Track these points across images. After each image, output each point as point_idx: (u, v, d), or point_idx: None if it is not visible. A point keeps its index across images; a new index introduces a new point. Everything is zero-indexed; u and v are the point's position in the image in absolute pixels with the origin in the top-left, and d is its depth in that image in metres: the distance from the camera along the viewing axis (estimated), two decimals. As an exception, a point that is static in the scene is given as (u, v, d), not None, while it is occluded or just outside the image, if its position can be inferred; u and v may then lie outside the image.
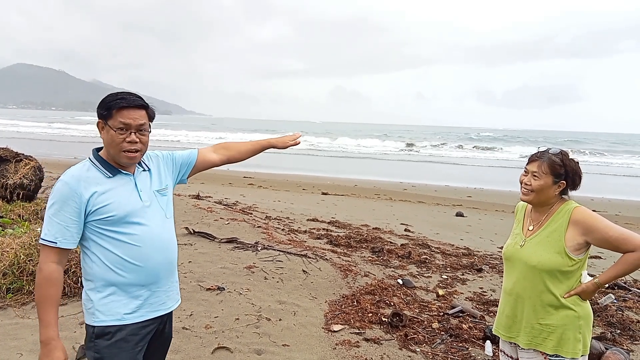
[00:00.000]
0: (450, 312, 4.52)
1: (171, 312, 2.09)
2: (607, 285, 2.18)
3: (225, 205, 8.91)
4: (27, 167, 7.38)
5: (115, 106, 1.84)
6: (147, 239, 1.91)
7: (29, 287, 4.13)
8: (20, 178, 7.18)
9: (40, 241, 1.81)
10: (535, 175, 2.21)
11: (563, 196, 2.26)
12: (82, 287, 1.94)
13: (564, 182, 2.20)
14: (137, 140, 1.87)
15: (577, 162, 2.24)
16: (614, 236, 2.07)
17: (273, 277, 4.93)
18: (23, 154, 7.71)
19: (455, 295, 5.13)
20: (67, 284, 4.13)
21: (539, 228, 2.25)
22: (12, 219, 6.27)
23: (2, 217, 6.14)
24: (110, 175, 1.88)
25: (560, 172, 2.19)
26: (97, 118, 1.91)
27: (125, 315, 1.87)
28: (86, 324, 1.89)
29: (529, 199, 2.27)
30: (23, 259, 4.29)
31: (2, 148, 7.64)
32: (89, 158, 1.92)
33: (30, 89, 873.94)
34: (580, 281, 2.16)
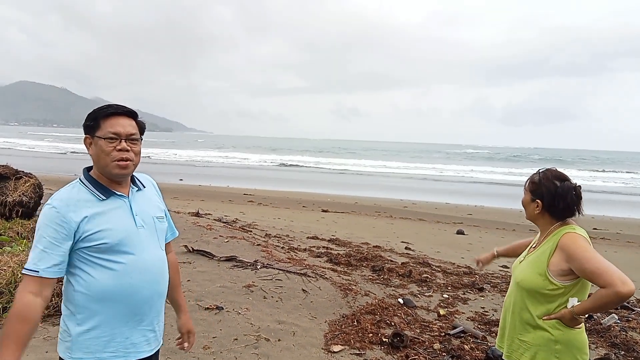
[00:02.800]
0: (452, 332, 4.46)
1: (157, 353, 1.92)
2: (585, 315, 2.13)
3: (225, 222, 8.88)
4: (27, 184, 7.38)
5: (102, 115, 1.72)
6: (137, 269, 1.75)
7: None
8: (19, 195, 7.16)
9: (23, 271, 1.62)
10: (523, 192, 2.32)
11: (568, 219, 2.20)
12: (60, 312, 1.76)
13: (539, 201, 2.21)
14: (129, 148, 1.73)
15: (565, 187, 2.15)
16: (588, 269, 1.99)
17: (272, 297, 4.88)
18: (23, 172, 7.71)
19: (456, 315, 5.07)
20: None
21: (537, 248, 2.27)
22: (11, 236, 6.23)
23: (0, 234, 6.11)
24: (103, 198, 1.73)
25: (536, 191, 2.22)
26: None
27: (106, 354, 1.71)
28: (60, 358, 1.73)
29: (525, 216, 2.36)
30: (20, 277, 4.25)
31: (2, 165, 7.65)
32: (79, 179, 1.77)
33: (33, 106, 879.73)
34: (566, 306, 2.12)
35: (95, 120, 1.72)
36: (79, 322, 1.70)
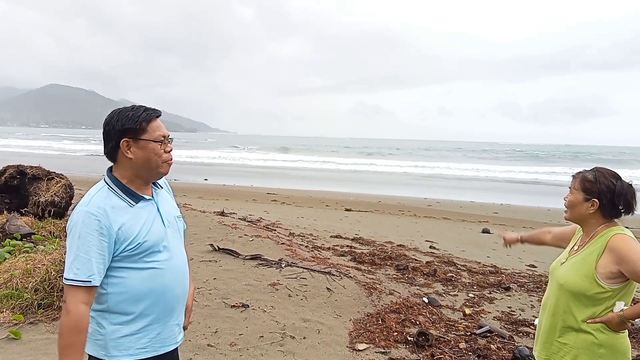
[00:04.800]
0: (478, 332, 4.42)
1: (177, 347, 1.96)
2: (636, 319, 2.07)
3: (250, 221, 8.97)
4: (58, 185, 7.60)
5: (149, 118, 1.76)
6: (169, 268, 1.80)
7: (59, 303, 4.22)
8: (51, 196, 7.39)
9: (69, 282, 1.61)
10: (570, 192, 2.23)
11: (615, 220, 2.15)
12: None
13: (596, 200, 2.12)
14: (172, 148, 1.82)
15: (624, 185, 2.11)
16: None
17: (297, 295, 4.92)
18: (54, 172, 7.95)
19: (482, 315, 5.02)
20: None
21: (581, 249, 2.19)
22: (44, 235, 6.44)
23: (34, 233, 6.31)
24: (134, 204, 1.76)
25: (591, 190, 2.13)
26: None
27: (138, 350, 1.74)
28: (91, 356, 1.75)
29: (566, 216, 2.26)
30: (54, 275, 4.40)
31: (35, 167, 7.89)
32: (107, 183, 1.77)
33: (62, 109, 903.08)
34: (613, 310, 2.06)
35: (140, 124, 1.74)
36: (112, 321, 1.72)
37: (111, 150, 1.77)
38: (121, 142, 1.74)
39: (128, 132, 1.73)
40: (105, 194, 1.73)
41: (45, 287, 4.32)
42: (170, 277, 1.80)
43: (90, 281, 1.62)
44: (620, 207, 2.10)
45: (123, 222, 1.69)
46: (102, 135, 1.79)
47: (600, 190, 2.11)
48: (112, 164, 1.82)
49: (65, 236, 6.68)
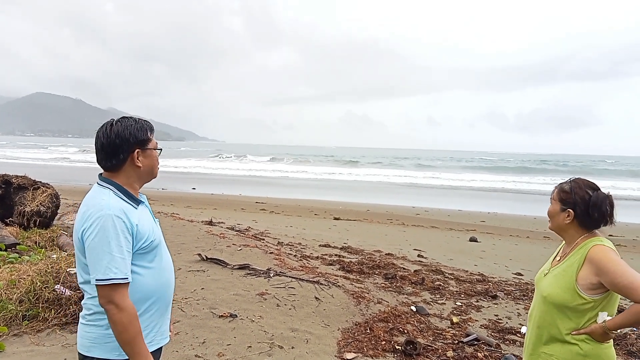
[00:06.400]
0: (465, 340, 4.45)
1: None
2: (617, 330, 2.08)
3: (238, 231, 8.95)
4: (44, 194, 7.52)
5: (152, 129, 1.94)
6: (168, 265, 1.98)
7: (44, 314, 4.16)
8: (37, 205, 7.30)
9: (113, 281, 1.71)
10: (550, 202, 2.26)
11: (594, 230, 2.17)
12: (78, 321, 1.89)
13: (571, 211, 2.15)
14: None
15: (600, 196, 2.12)
16: (621, 283, 1.95)
17: (285, 304, 4.91)
18: (40, 182, 7.86)
19: (469, 323, 5.06)
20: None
21: (563, 260, 2.22)
22: (29, 245, 6.36)
23: (19, 244, 6.23)
24: (137, 207, 1.89)
25: (567, 200, 2.17)
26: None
27: (147, 344, 1.83)
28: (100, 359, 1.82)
29: (549, 226, 2.30)
30: (39, 285, 4.34)
31: (21, 176, 7.81)
32: (110, 189, 1.85)
33: (48, 117, 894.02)
34: (596, 321, 2.07)
35: (148, 135, 1.91)
36: None
37: (121, 161, 1.86)
38: (134, 152, 1.87)
39: (140, 143, 1.88)
40: (115, 198, 1.82)
41: (30, 298, 4.26)
42: (169, 273, 1.98)
43: (127, 278, 1.75)
44: (596, 218, 2.12)
45: (136, 222, 1.82)
46: (101, 147, 1.86)
47: (575, 201, 2.14)
48: (103, 171, 1.91)
49: (51, 246, 6.54)
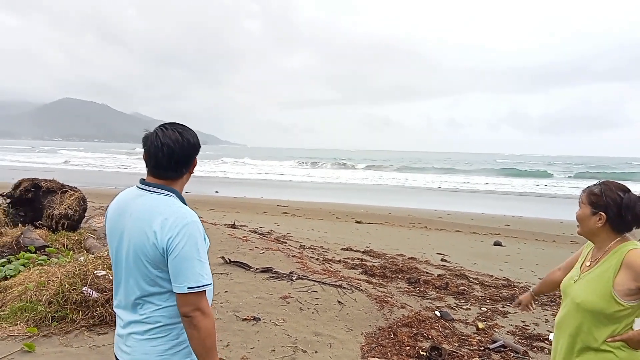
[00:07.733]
0: (492, 346, 4.37)
1: None
2: None
3: (260, 234, 8.99)
4: (72, 198, 7.68)
5: None
6: None
7: (72, 316, 4.24)
8: (65, 209, 7.46)
9: (204, 288, 1.69)
10: (579, 206, 2.20)
11: (626, 234, 2.11)
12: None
13: (603, 214, 2.09)
14: None
15: (632, 197, 2.07)
16: None
17: (308, 308, 4.90)
18: (68, 186, 8.03)
19: (495, 329, 4.96)
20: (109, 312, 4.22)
21: (594, 265, 2.15)
22: (57, 248, 6.50)
23: (47, 246, 6.38)
24: None
25: (598, 203, 2.11)
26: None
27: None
28: None
29: (579, 231, 2.24)
30: (67, 287, 4.42)
31: (49, 180, 7.99)
32: (173, 196, 1.81)
33: (75, 122, 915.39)
34: (632, 327, 2.02)
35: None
36: (181, 329, 1.79)
37: (187, 170, 1.86)
38: (194, 161, 1.87)
39: (196, 153, 1.88)
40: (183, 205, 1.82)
41: (59, 299, 4.34)
42: None
43: (211, 283, 1.78)
44: (629, 220, 2.06)
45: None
46: (170, 156, 1.76)
47: (606, 204, 2.08)
48: (151, 177, 1.82)
49: (79, 249, 6.66)
